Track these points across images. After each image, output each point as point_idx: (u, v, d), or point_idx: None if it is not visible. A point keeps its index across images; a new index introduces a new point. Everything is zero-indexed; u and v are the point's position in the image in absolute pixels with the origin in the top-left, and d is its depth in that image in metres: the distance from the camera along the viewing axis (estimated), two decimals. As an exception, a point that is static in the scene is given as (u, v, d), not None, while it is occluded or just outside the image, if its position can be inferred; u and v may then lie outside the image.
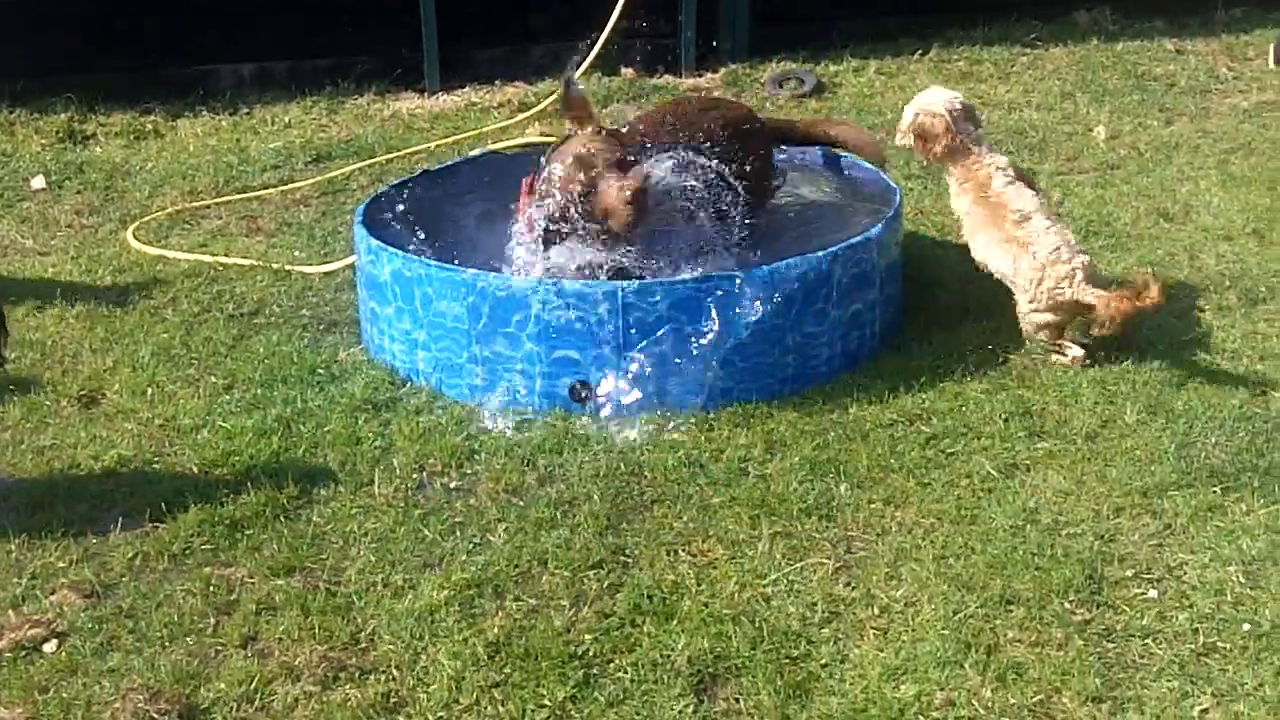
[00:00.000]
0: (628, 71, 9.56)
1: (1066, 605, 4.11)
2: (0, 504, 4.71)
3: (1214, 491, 4.64)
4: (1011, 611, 4.08)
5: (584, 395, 5.19)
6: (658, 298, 5.12)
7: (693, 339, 5.15)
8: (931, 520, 4.53)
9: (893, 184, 6.20)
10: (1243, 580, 4.20)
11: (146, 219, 7.39)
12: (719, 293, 5.15)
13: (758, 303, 5.19)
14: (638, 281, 5.18)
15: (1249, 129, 8.45)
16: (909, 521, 4.52)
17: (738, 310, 5.16)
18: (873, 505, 4.61)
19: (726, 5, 9.87)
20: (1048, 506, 4.60)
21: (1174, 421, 5.07)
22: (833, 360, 5.46)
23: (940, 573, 4.25)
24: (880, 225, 5.63)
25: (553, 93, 8.85)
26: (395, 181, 6.50)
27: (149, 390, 5.41)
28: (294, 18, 9.37)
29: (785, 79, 9.40)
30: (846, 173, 6.57)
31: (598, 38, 9.05)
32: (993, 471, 4.79)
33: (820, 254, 5.38)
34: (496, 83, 9.48)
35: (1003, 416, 5.13)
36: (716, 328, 5.15)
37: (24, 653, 3.98)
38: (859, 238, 5.53)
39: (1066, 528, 4.49)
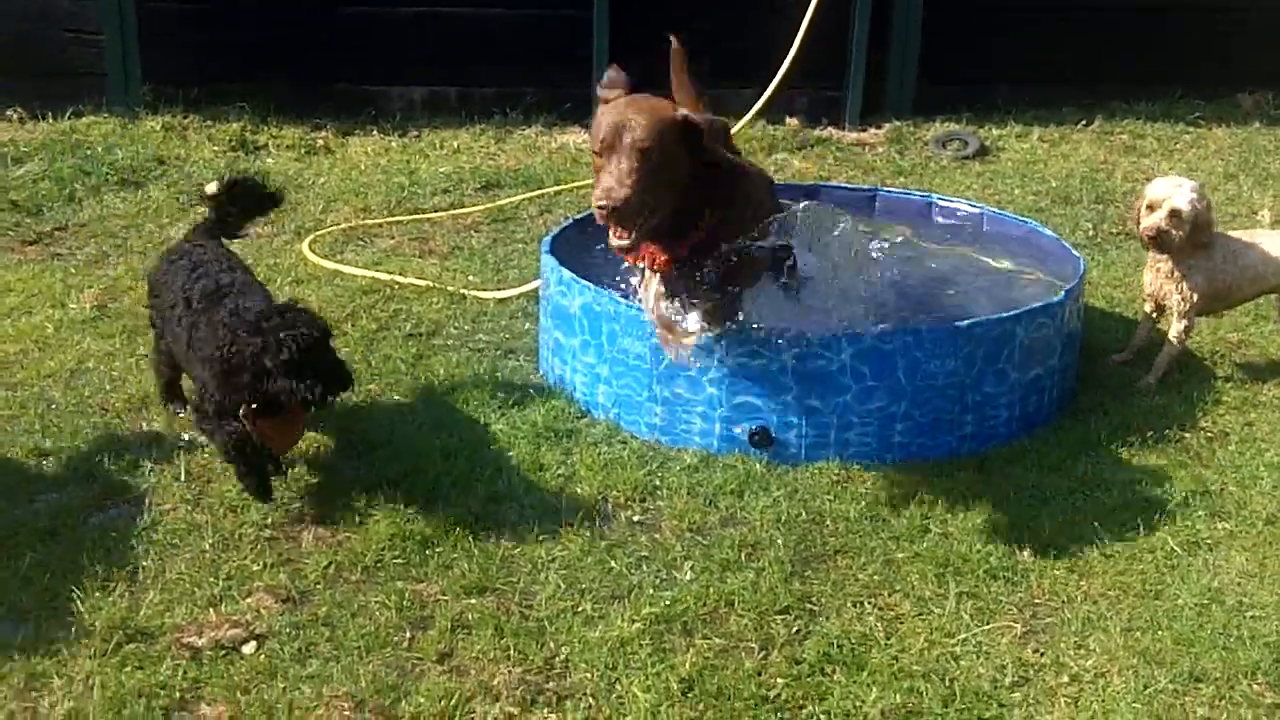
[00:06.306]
0: (792, 121, 9.63)
1: (1255, 687, 4.08)
2: (194, 503, 4.83)
3: (1400, 580, 4.60)
4: (1200, 689, 4.06)
5: (762, 441, 5.22)
6: (842, 348, 5.15)
7: (873, 391, 5.19)
8: (1117, 592, 4.51)
9: (1075, 253, 6.19)
10: None
11: (321, 233, 7.55)
12: (904, 346, 5.18)
13: (941, 359, 5.22)
14: (822, 330, 5.21)
15: None
16: (1094, 592, 4.51)
17: (920, 365, 5.20)
18: (1056, 573, 4.60)
19: (894, 61, 9.94)
20: (1232, 587, 4.57)
21: (1357, 507, 5.04)
22: (1011, 423, 5.46)
23: (1128, 645, 4.23)
24: (1064, 293, 5.64)
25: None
26: (579, 215, 6.58)
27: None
28: (466, 46, 9.55)
29: (949, 140, 9.42)
30: (1030, 241, 6.59)
31: (763, 85, 9.11)
32: (1176, 548, 4.77)
33: (1004, 315, 5.40)
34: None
35: (1182, 494, 5.10)
36: (900, 381, 5.18)
37: (223, 652, 4.06)
38: (1042, 302, 5.54)
39: (1251, 610, 4.45)
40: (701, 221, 4.89)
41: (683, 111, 4.73)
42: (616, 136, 4.56)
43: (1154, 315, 6.17)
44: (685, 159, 4.69)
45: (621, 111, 4.63)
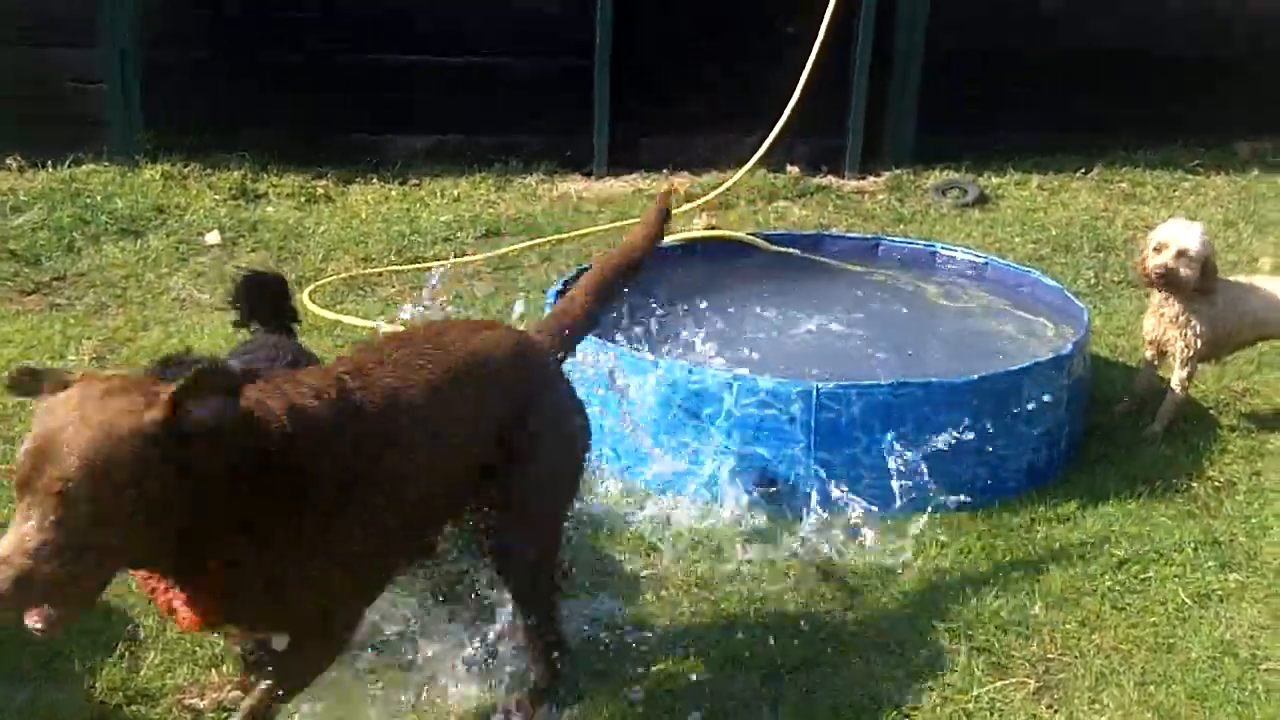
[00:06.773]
0: (792, 169, 9.63)
1: (1272, 744, 4.05)
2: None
3: None
4: (1217, 747, 4.03)
5: (770, 490, 5.18)
6: (851, 400, 5.12)
7: (882, 444, 5.14)
8: (1129, 646, 4.47)
9: (1079, 303, 6.17)
10: None
11: (321, 282, 7.51)
12: (913, 399, 5.14)
13: (950, 412, 5.19)
14: (833, 382, 5.18)
15: None
16: (1106, 646, 4.46)
17: (930, 419, 5.16)
18: (1068, 626, 4.56)
19: (893, 110, 9.94)
20: (1244, 640, 4.53)
21: (1367, 560, 5.01)
22: (1020, 475, 5.42)
23: (1142, 700, 4.19)
24: (1071, 344, 5.61)
25: (717, 185, 8.98)
26: (581, 266, 6.56)
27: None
28: (467, 95, 9.55)
29: (949, 188, 9.42)
30: (1028, 289, 6.58)
31: (763, 133, 9.12)
32: (1187, 600, 4.73)
33: (1012, 368, 5.38)
34: (663, 171, 9.60)
35: (1192, 544, 5.08)
36: (908, 434, 5.14)
37: (225, 714, 3.99)
38: (1050, 355, 5.52)
39: (1265, 662, 4.41)
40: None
41: (157, 414, 2.86)
42: (35, 469, 2.81)
43: (1154, 362, 6.14)
44: (179, 483, 2.93)
45: (57, 422, 2.85)
